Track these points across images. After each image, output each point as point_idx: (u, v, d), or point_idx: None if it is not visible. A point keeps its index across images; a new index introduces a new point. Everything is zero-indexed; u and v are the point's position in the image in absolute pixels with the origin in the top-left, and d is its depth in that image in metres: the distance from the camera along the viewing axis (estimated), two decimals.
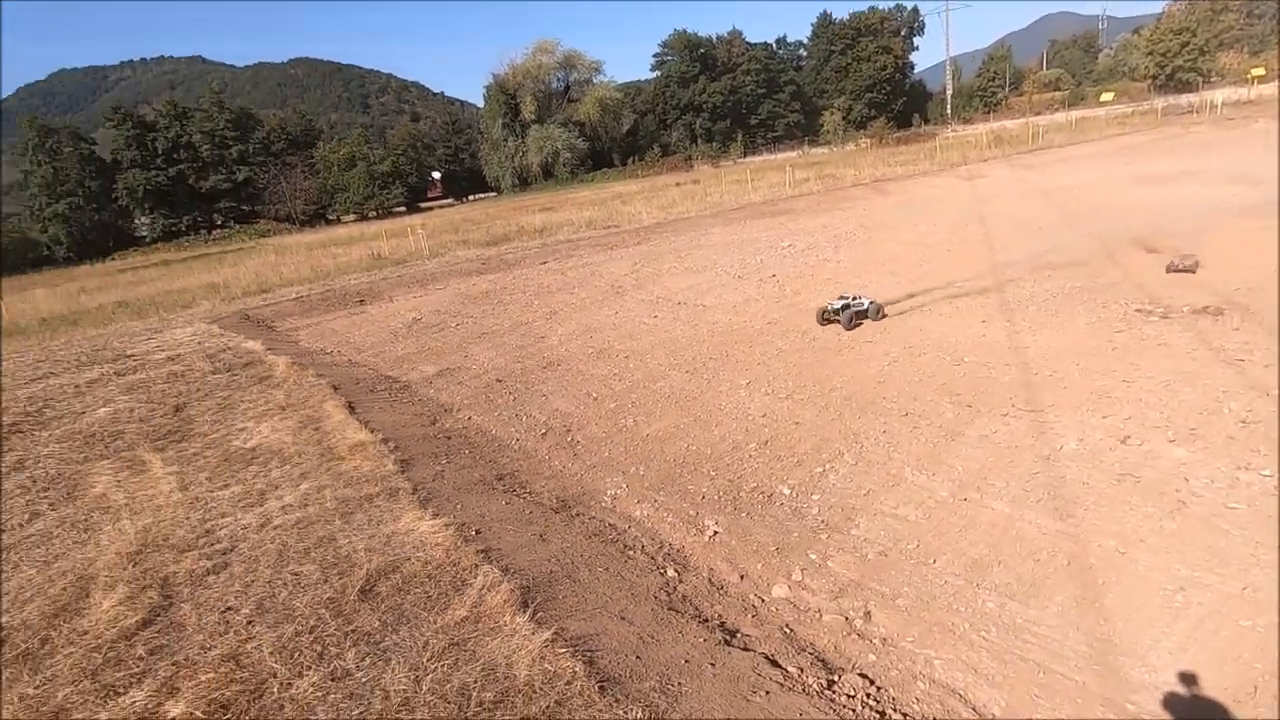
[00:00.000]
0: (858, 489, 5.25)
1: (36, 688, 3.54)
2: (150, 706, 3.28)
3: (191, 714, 3.17)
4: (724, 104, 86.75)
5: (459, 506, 5.22)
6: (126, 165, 62.16)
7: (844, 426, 6.30)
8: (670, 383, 8.04)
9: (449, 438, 7.09)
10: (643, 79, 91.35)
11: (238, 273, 26.19)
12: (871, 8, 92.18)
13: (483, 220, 37.50)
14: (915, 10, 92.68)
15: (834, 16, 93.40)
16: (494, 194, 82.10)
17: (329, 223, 69.45)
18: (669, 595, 4.15)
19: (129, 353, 13.18)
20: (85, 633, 3.96)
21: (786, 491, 5.35)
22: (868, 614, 3.95)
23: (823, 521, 4.90)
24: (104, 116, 67.56)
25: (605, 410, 7.46)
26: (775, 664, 3.49)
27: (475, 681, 3.19)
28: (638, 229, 23.57)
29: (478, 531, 4.77)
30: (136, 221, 65.31)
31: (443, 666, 3.32)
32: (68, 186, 59.08)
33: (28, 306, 24.76)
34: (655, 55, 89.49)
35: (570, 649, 3.35)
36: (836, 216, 20.66)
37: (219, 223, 68.64)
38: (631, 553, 4.69)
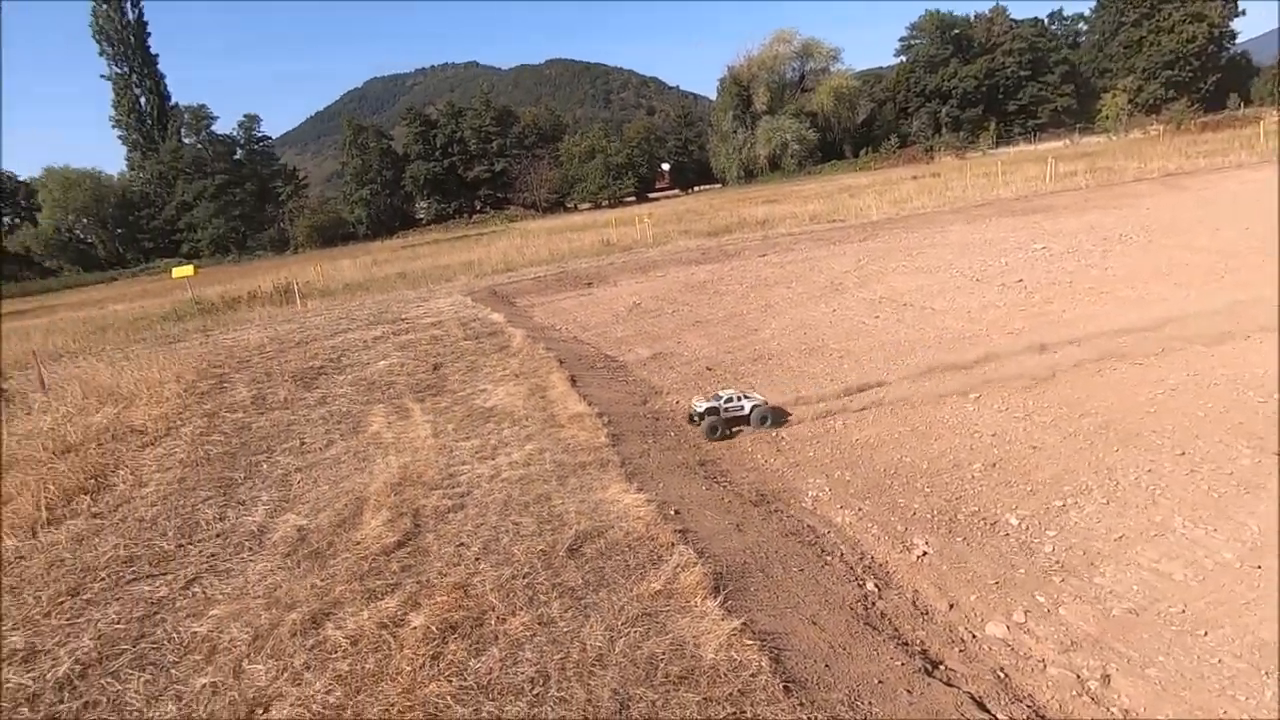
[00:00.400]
0: (1107, 532, 4.53)
1: (320, 580, 4.36)
2: (398, 614, 3.89)
3: (428, 627, 3.70)
4: (977, 89, 78.68)
5: (661, 485, 5.43)
6: (413, 158, 73.12)
7: (1095, 458, 5.45)
8: (887, 388, 7.57)
9: (657, 419, 7.39)
10: (884, 65, 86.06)
11: (489, 253, 29.53)
12: None
13: (706, 211, 38.19)
14: None
15: None
16: (718, 185, 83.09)
17: (566, 210, 75.55)
18: (866, 609, 3.95)
19: (403, 316, 15.57)
20: (358, 543, 4.80)
21: (1014, 522, 4.78)
22: (1106, 677, 3.41)
23: (1057, 562, 4.31)
24: (400, 116, 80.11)
25: (813, 409, 7.24)
26: (983, 708, 3.16)
27: (663, 654, 3.32)
28: (865, 224, 22.38)
29: (677, 512, 4.93)
30: (417, 205, 76.65)
31: (635, 632, 3.50)
32: (370, 175, 71.09)
33: (337, 274, 30.29)
34: (901, 40, 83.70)
35: (758, 642, 3.34)
36: (1109, 216, 17.78)
37: (477, 208, 77.95)
38: (829, 558, 4.53)
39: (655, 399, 8.17)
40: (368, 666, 3.47)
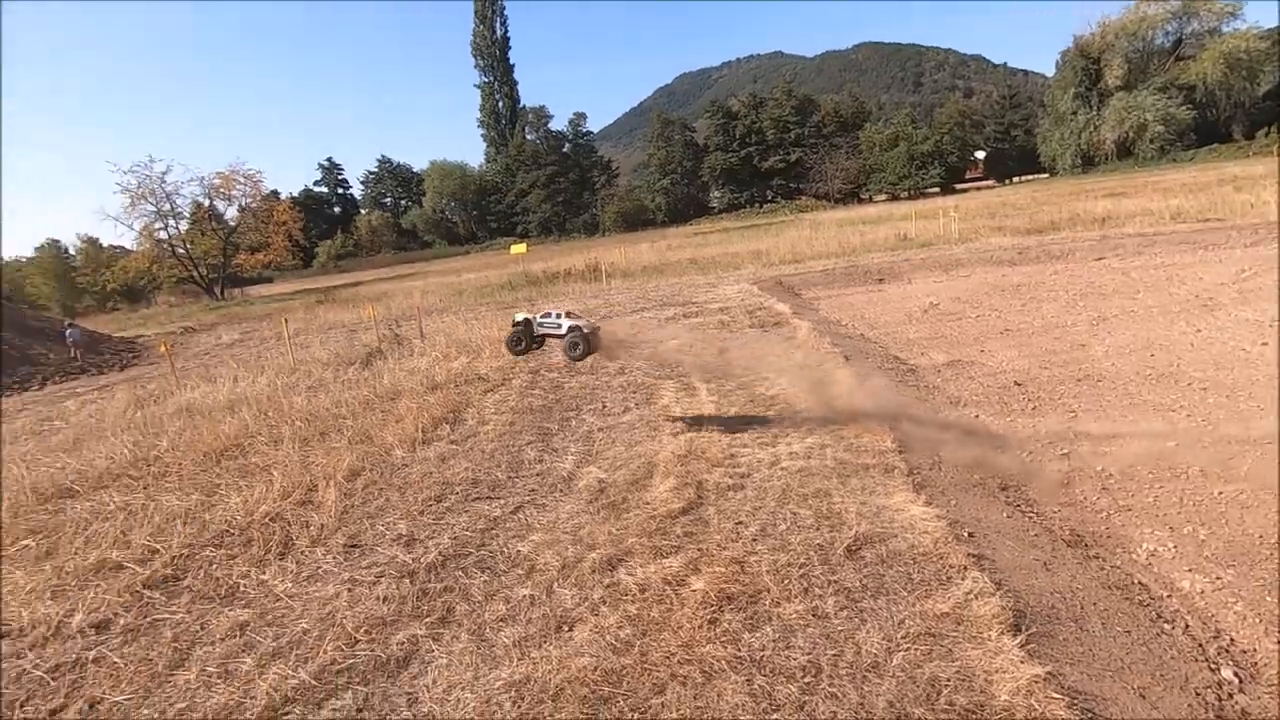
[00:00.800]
0: None
1: (615, 530, 4.91)
2: (680, 574, 4.21)
3: (707, 593, 3.95)
4: None
5: (954, 502, 5.02)
6: (712, 149, 76.32)
7: None
8: (1267, 428, 5.97)
9: (949, 429, 6.81)
10: None
11: (777, 243, 29.67)
12: None
13: (1027, 205, 33.58)
14: None
15: None
16: (1044, 175, 72.37)
17: (860, 201, 72.31)
18: (1218, 701, 3.23)
19: (693, 300, 16.48)
20: (648, 503, 5.29)
21: None
22: None
23: None
24: (703, 110, 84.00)
25: (1157, 448, 6.03)
26: None
27: (948, 680, 3.11)
28: (1256, 225, 17.68)
29: (970, 534, 4.52)
30: (711, 194, 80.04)
31: (916, 650, 3.33)
32: (672, 165, 76.03)
33: (636, 257, 33.11)
34: None
35: (1066, 698, 2.95)
36: None
37: (769, 197, 78.64)
38: (1169, 628, 3.78)
39: (950, 409, 7.53)
40: (653, 614, 3.84)
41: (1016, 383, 8.25)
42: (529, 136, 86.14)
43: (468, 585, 4.38)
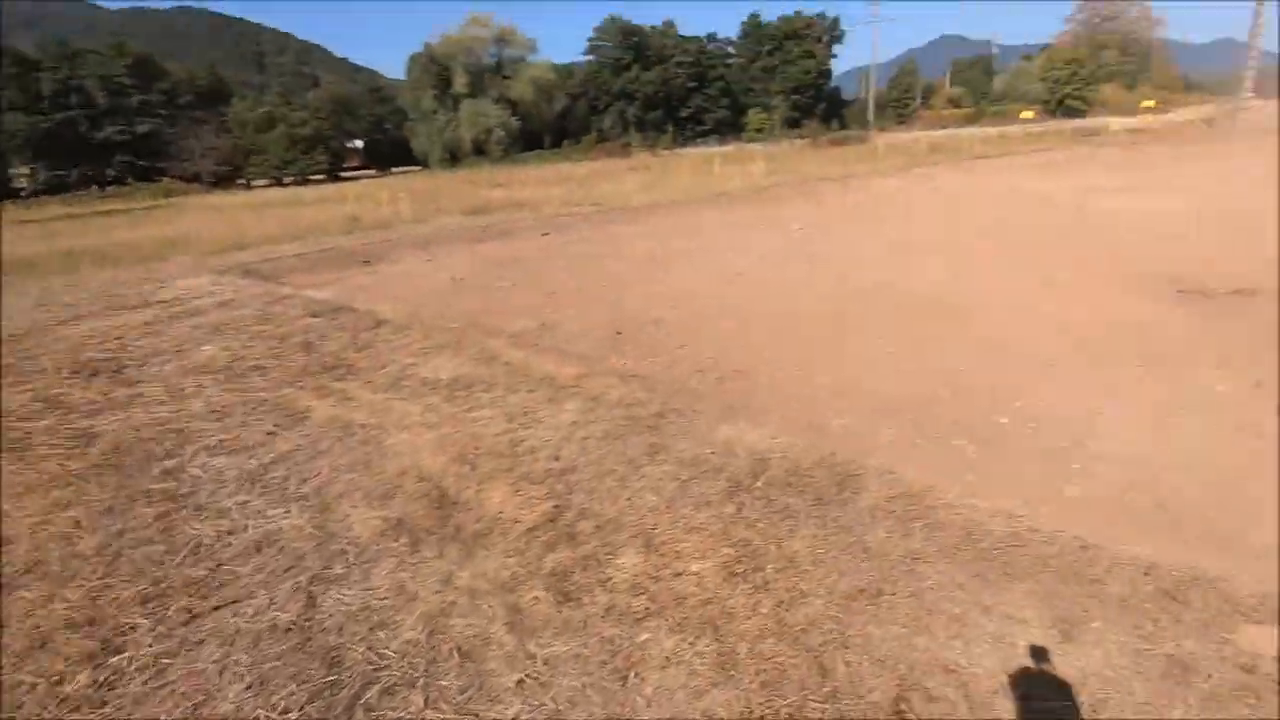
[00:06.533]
0: None
1: None
2: None
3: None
4: (656, 94, 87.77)
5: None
6: (5, 107, 55.33)
7: None
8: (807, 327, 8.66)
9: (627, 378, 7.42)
10: (577, 61, 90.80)
11: (185, 230, 24.47)
12: (797, 12, 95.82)
13: (437, 192, 36.47)
14: (836, 20, 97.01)
15: (763, 19, 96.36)
16: (419, 168, 79.24)
17: (239, 186, 64.74)
18: None
19: (158, 299, 12.34)
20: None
21: None
22: None
23: None
24: None
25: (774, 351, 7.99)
26: None
27: None
28: (628, 209, 23.96)
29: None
30: (14, 172, 58.29)
31: None
32: None
33: None
34: (590, 39, 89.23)
35: None
36: (825, 203, 21.97)
37: (111, 177, 62.37)
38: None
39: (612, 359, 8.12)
40: None
41: (618, 331, 9.44)
42: None
43: None
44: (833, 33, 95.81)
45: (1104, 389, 6.25)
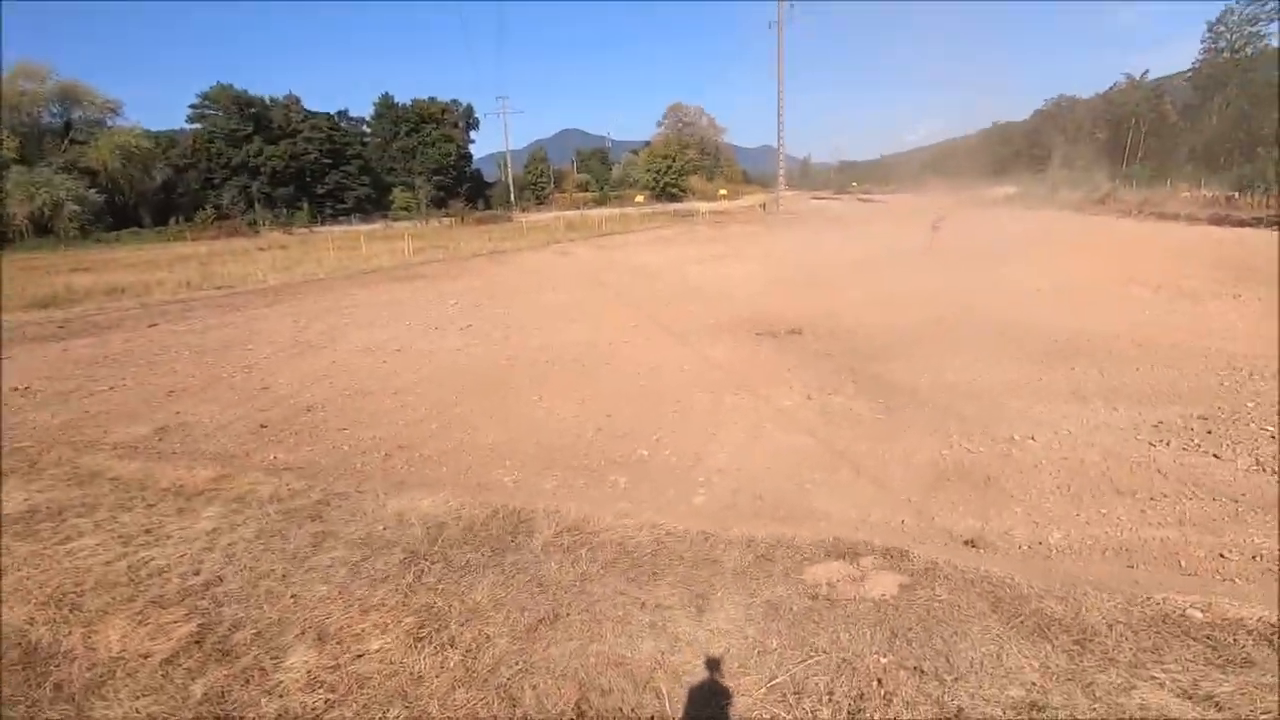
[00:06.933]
0: None
1: None
2: None
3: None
4: (286, 169, 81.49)
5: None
6: None
7: None
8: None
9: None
10: (179, 129, 79.21)
11: None
12: (431, 98, 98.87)
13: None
14: (470, 106, 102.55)
15: (395, 100, 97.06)
16: None
17: None
18: None
19: None
20: None
21: None
22: None
23: None
24: None
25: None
26: None
27: None
28: (263, 290, 21.65)
29: None
30: None
31: None
32: None
33: None
34: (193, 106, 79.09)
35: None
36: (479, 279, 22.81)
37: None
38: None
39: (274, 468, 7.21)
40: None
41: (262, 425, 8.47)
42: None
43: None
44: (468, 119, 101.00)
45: (715, 415, 7.78)
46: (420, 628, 3.77)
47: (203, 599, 4.21)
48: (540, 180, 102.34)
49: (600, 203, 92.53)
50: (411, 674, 3.40)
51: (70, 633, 3.92)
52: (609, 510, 5.25)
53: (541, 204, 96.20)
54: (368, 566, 4.48)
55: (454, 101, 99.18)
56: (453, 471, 6.41)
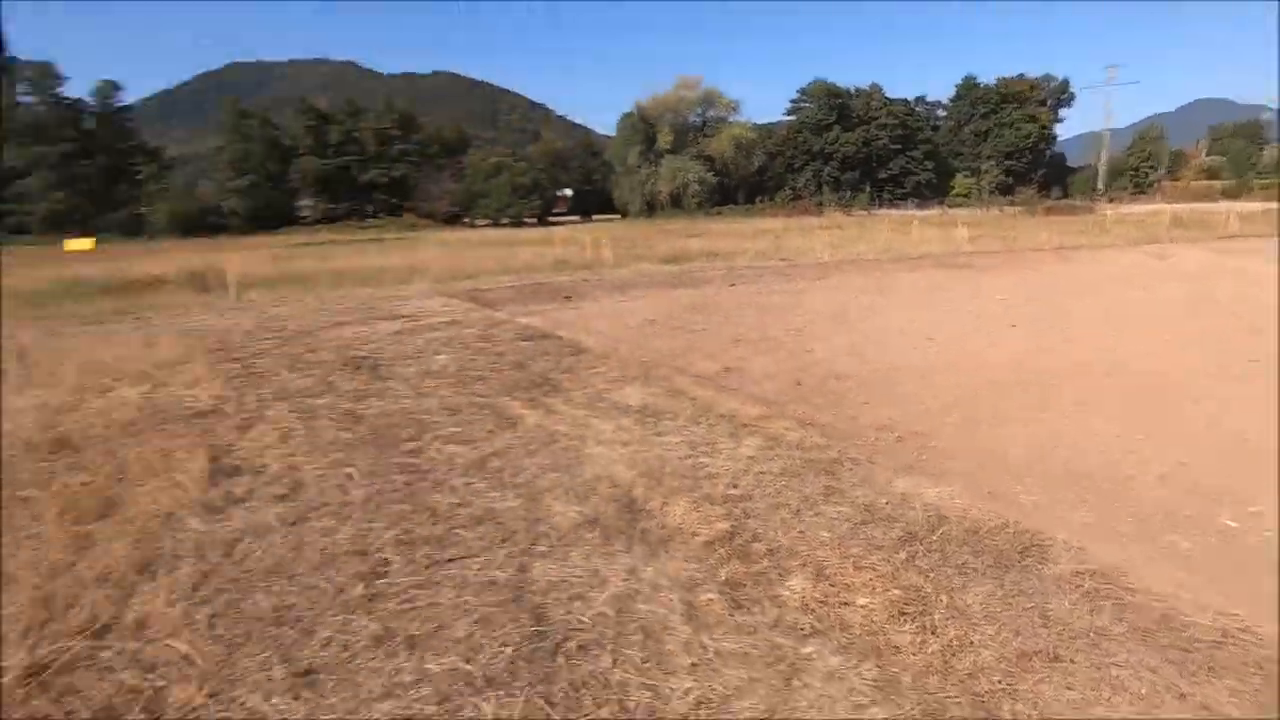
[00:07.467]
0: None
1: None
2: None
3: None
4: (855, 155, 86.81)
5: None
6: (303, 151, 68.35)
7: None
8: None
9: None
10: (777, 122, 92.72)
11: (422, 259, 28.34)
12: (1020, 75, 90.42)
13: (635, 239, 38.97)
14: (1065, 82, 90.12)
15: (979, 81, 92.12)
16: (618, 217, 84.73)
17: (464, 225, 73.63)
18: None
19: (399, 313, 14.66)
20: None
21: None
22: None
23: None
24: (278, 104, 74.78)
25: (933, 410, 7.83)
26: None
27: None
28: (816, 264, 24.05)
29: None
30: (302, 203, 71.53)
31: None
32: (252, 164, 65.49)
33: (248, 268, 27.58)
34: (792, 101, 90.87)
35: None
36: (1032, 274, 20.46)
37: (370, 212, 74.10)
38: None
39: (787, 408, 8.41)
40: None
41: (797, 382, 9.68)
42: (25, 98, 63.80)
43: None
44: (1060, 96, 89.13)
45: None
46: (905, 604, 3.88)
47: (735, 508, 5.19)
48: (1145, 165, 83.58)
49: (1234, 194, 70.33)
50: (889, 641, 3.55)
51: (653, 498, 5.37)
52: (1158, 573, 4.29)
53: (1140, 193, 78.74)
54: (867, 531, 4.78)
55: (1045, 77, 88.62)
56: (964, 470, 6.17)
